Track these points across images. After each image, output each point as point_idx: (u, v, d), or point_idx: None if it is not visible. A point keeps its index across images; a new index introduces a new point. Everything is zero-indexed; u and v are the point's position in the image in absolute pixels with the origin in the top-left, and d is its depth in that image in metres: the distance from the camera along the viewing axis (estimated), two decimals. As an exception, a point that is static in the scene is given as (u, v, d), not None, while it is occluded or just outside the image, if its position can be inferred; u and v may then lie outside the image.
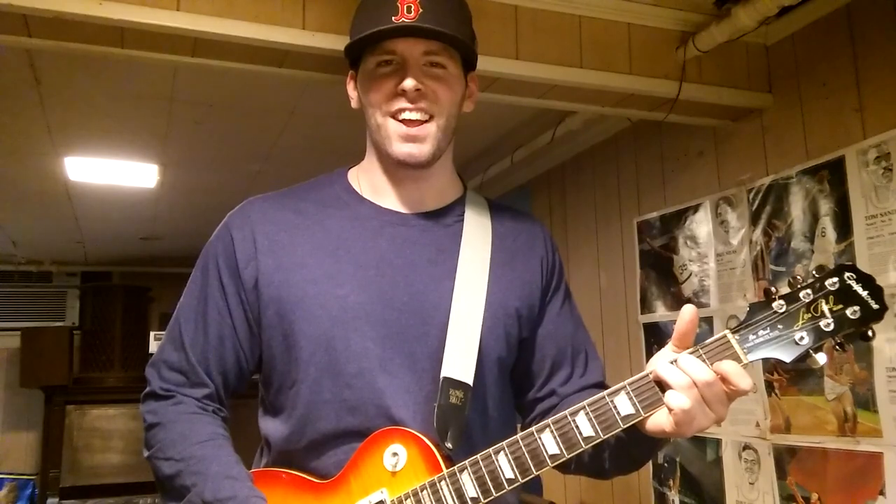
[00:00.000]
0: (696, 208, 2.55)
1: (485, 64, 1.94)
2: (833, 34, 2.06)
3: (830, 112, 2.06)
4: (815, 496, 2.04)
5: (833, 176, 2.03)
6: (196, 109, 3.01)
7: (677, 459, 2.58)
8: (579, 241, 3.28)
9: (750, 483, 2.26)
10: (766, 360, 0.97)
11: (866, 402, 1.90)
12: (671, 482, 2.60)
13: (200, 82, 2.72)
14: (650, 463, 2.70)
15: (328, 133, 3.12)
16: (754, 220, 2.29)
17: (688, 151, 2.63)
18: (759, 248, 2.27)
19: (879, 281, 1.85)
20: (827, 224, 2.03)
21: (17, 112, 2.97)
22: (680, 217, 2.62)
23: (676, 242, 2.63)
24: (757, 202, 2.28)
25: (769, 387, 2.20)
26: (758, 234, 2.27)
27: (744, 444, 2.29)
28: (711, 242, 2.47)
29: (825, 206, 2.05)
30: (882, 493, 1.84)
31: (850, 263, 0.99)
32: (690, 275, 2.56)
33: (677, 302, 2.60)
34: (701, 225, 2.53)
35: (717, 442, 2.39)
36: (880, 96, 1.93)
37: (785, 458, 2.14)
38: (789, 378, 2.13)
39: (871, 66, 1.96)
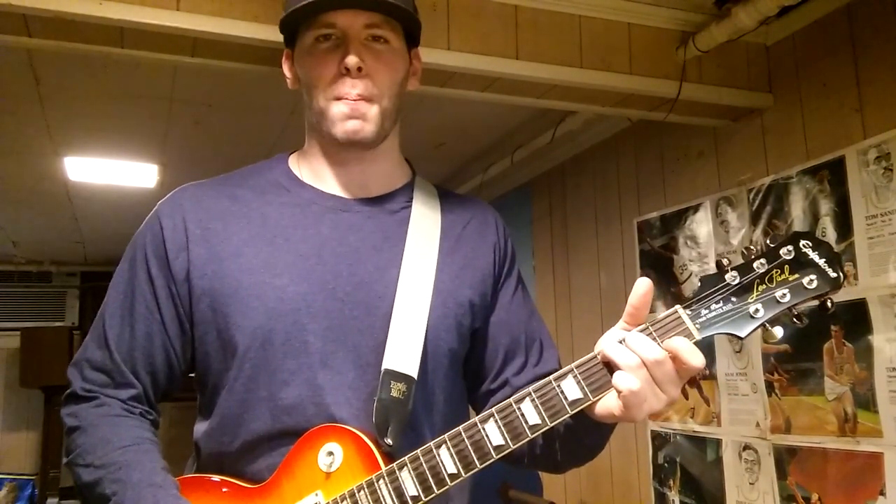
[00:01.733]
0: (696, 208, 2.55)
1: (485, 64, 1.94)
2: (833, 34, 2.06)
3: (830, 112, 2.06)
4: (815, 496, 2.04)
5: (833, 176, 2.03)
6: (196, 109, 3.01)
7: (677, 460, 2.58)
8: (579, 241, 3.28)
9: (750, 483, 2.25)
10: (720, 336, 0.91)
11: (866, 402, 1.90)
12: (671, 482, 2.60)
13: (200, 82, 2.72)
14: (650, 463, 2.70)
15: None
16: (754, 220, 2.29)
17: (688, 151, 2.63)
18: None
19: (880, 281, 1.84)
20: (827, 224, 2.03)
21: (17, 112, 2.97)
22: (680, 217, 2.62)
23: (677, 242, 2.63)
24: (757, 202, 2.28)
25: (769, 387, 2.20)
26: (758, 234, 2.27)
27: (744, 444, 2.29)
28: (712, 242, 2.47)
29: (825, 206, 2.05)
30: (882, 493, 1.84)
31: (805, 231, 0.94)
32: (691, 275, 2.56)
33: (678, 302, 2.59)
34: (701, 225, 2.53)
35: (718, 442, 2.39)
36: (880, 96, 1.93)
37: (785, 459, 2.14)
38: (789, 378, 2.13)
39: (871, 66, 1.96)
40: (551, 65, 2.01)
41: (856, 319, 1.92)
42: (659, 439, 2.68)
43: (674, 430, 2.60)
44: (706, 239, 2.50)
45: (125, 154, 3.51)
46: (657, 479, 2.69)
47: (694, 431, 2.50)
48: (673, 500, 2.59)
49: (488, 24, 1.96)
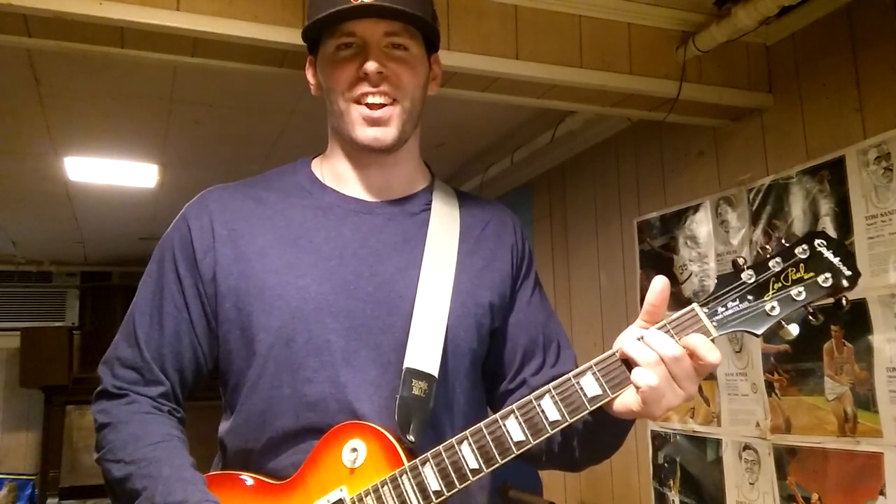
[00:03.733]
0: (696, 208, 2.55)
1: (485, 64, 1.94)
2: (833, 34, 2.06)
3: (830, 112, 2.06)
4: (815, 496, 2.04)
5: (833, 176, 2.03)
6: (196, 109, 3.01)
7: (678, 460, 2.58)
8: (579, 241, 3.28)
9: (750, 483, 2.25)
10: (736, 334, 0.93)
11: (866, 402, 1.90)
12: (671, 482, 2.60)
13: (200, 82, 2.72)
14: (650, 463, 2.70)
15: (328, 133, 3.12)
16: (754, 220, 2.29)
17: (688, 151, 2.63)
18: (759, 248, 2.27)
19: (880, 281, 1.85)
20: (827, 224, 2.03)
21: (17, 112, 2.97)
22: (680, 217, 2.62)
23: (677, 242, 2.63)
24: (757, 202, 2.28)
25: (769, 387, 2.20)
26: (758, 234, 2.27)
27: (744, 444, 2.29)
28: (712, 242, 2.47)
29: (825, 206, 2.05)
30: (882, 493, 1.84)
31: (820, 230, 0.96)
32: (691, 275, 2.56)
33: (677, 302, 2.59)
34: (701, 225, 2.53)
35: (718, 442, 2.39)
36: (880, 96, 1.93)
37: (785, 459, 2.14)
38: (789, 378, 2.13)
39: (871, 66, 1.96)
40: (551, 65, 2.01)
41: (856, 319, 1.92)
42: (659, 439, 2.68)
43: (674, 430, 2.60)
44: (706, 239, 2.50)
45: (125, 154, 3.51)
46: (657, 479, 2.69)
47: (694, 431, 2.50)
48: (673, 500, 2.59)
49: (488, 24, 1.96)
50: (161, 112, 3.00)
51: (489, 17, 1.96)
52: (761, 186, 2.26)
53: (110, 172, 3.72)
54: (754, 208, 2.29)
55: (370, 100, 1.06)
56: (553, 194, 3.54)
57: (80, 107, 2.93)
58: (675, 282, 2.62)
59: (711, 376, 2.41)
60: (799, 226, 2.12)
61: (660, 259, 2.71)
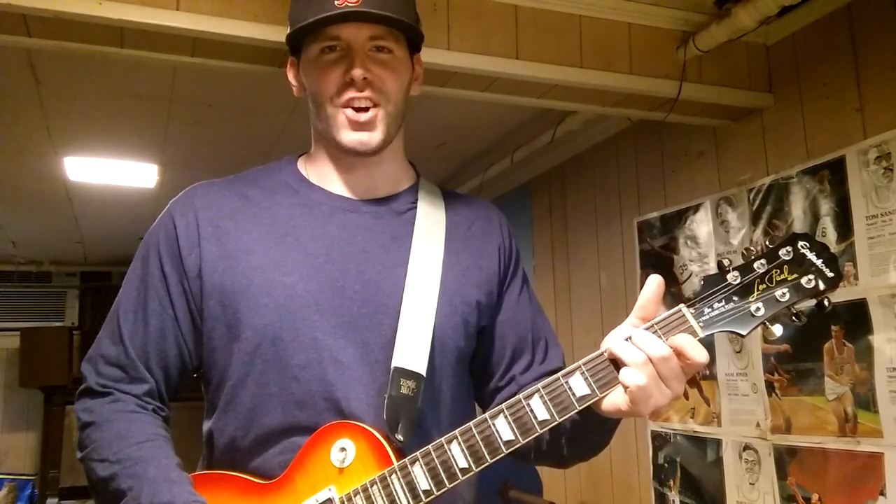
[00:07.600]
0: (696, 208, 2.55)
1: (485, 64, 1.94)
2: (833, 34, 2.06)
3: (831, 112, 2.06)
4: (815, 496, 2.04)
5: (833, 176, 2.03)
6: (196, 109, 3.01)
7: (678, 460, 2.58)
8: (579, 241, 3.28)
9: (750, 483, 2.25)
10: (723, 334, 0.94)
11: (867, 402, 1.90)
12: (671, 482, 2.60)
13: (200, 82, 2.72)
14: (650, 463, 2.70)
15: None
16: (755, 220, 2.29)
17: (688, 151, 2.63)
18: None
19: (880, 281, 1.85)
20: (827, 224, 2.03)
21: (17, 112, 2.97)
22: (680, 217, 2.62)
23: (677, 242, 2.63)
24: (757, 202, 2.28)
25: (770, 387, 2.20)
26: (758, 234, 2.27)
27: (744, 444, 2.29)
28: (712, 242, 2.47)
29: (826, 206, 2.05)
30: (882, 493, 1.84)
31: (803, 232, 0.97)
32: (691, 275, 2.56)
33: (678, 303, 2.59)
34: (701, 225, 2.52)
35: (718, 442, 2.39)
36: (880, 96, 1.93)
37: (785, 459, 2.14)
38: (790, 378, 2.13)
39: (871, 66, 1.96)
40: (551, 65, 2.01)
41: (856, 319, 1.92)
42: (659, 439, 2.67)
43: (674, 430, 2.60)
44: (706, 239, 2.50)
45: (125, 154, 3.51)
46: (657, 479, 2.68)
47: (694, 431, 2.50)
48: (673, 501, 2.59)
49: (488, 24, 1.96)
50: (161, 112, 3.00)
51: (489, 17, 1.96)
52: (761, 186, 2.26)
53: (110, 172, 3.72)
54: (754, 208, 2.29)
55: (356, 104, 1.06)
56: (553, 194, 3.54)
57: (80, 107, 2.93)
58: (675, 282, 2.62)
59: (711, 376, 2.41)
60: (799, 226, 2.12)
61: (660, 259, 2.71)
